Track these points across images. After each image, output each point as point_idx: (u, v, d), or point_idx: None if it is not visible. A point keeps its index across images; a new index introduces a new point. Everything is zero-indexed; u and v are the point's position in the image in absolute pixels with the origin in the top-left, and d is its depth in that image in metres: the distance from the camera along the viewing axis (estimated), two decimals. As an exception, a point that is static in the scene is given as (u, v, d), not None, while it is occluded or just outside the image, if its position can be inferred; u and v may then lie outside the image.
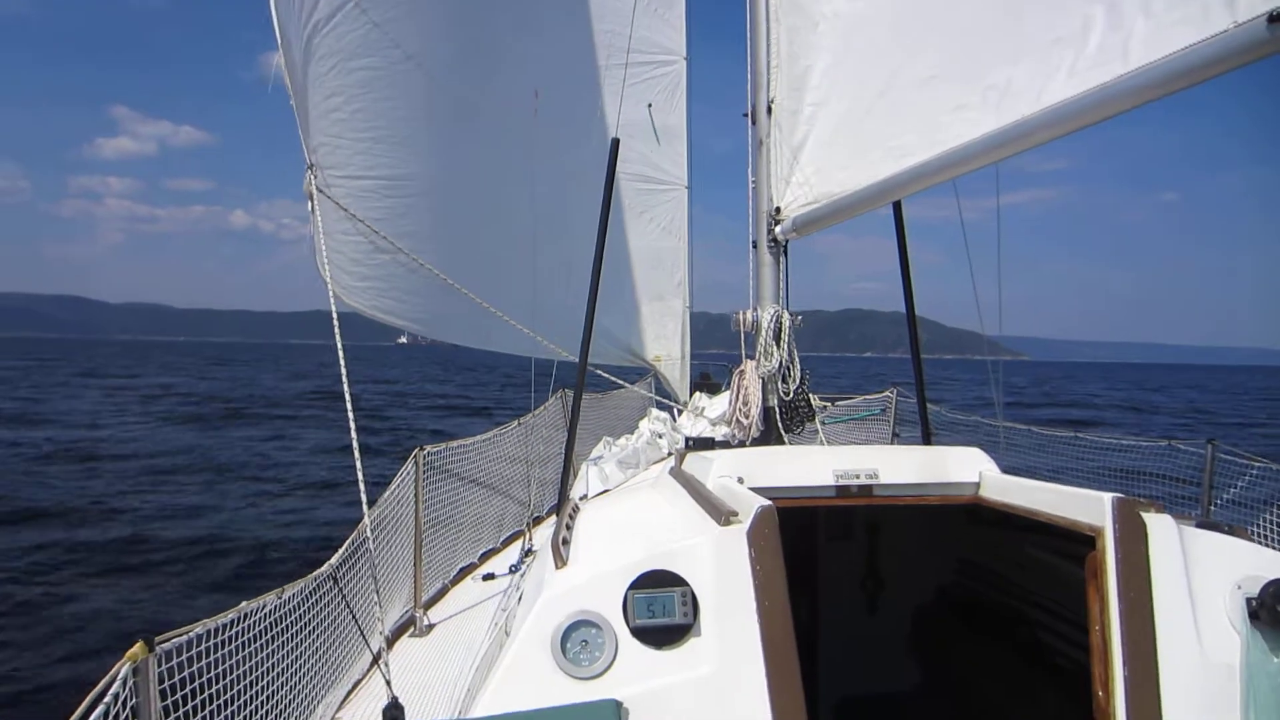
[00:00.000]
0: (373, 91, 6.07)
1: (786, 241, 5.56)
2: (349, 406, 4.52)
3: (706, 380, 9.77)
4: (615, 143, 5.81)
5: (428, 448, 6.50)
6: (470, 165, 7.25)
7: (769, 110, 5.59)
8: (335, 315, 4.88)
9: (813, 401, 5.59)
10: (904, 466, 3.64)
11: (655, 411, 8.19)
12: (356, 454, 4.53)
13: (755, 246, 5.63)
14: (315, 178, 5.23)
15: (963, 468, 3.71)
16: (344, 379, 4.56)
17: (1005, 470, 3.74)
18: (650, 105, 7.79)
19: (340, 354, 4.48)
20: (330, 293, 5.03)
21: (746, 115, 5.74)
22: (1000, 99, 4.12)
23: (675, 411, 8.88)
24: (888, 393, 8.50)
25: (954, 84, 4.52)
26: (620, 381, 9.15)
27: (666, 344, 10.04)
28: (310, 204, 5.18)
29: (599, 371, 8.33)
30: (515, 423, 7.67)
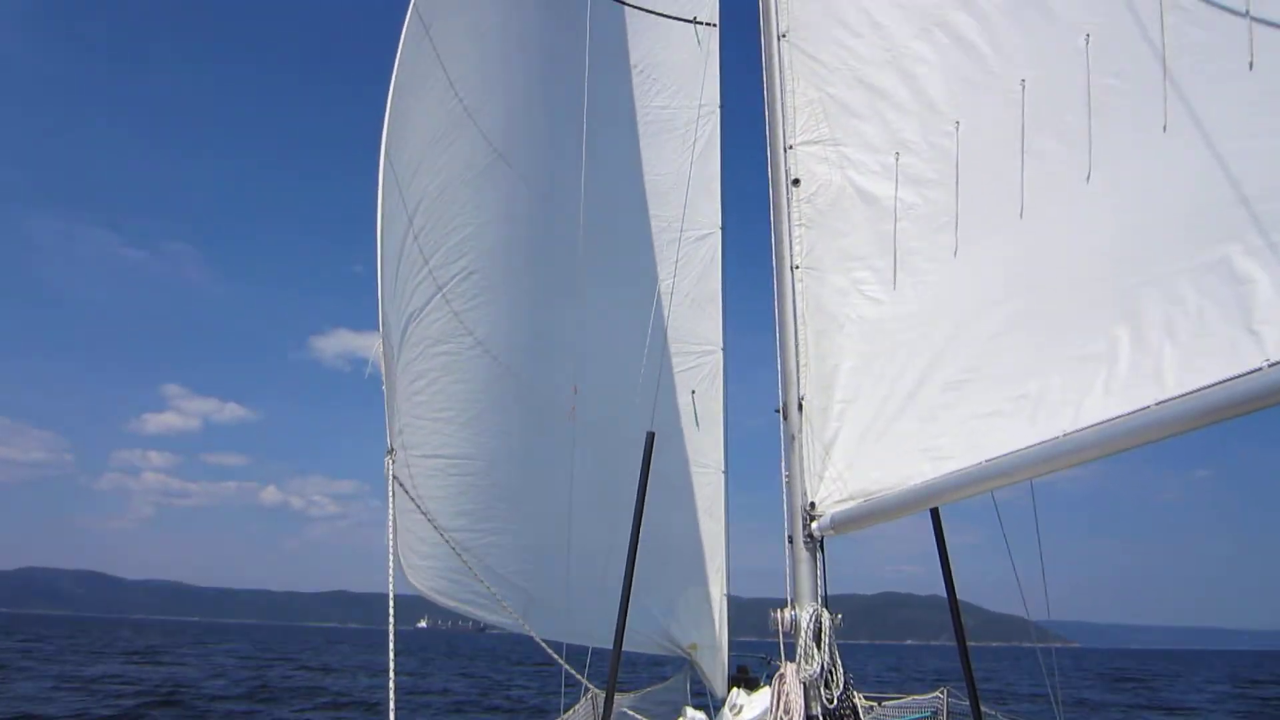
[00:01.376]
0: (449, 374, 6.50)
1: (823, 538, 5.53)
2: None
3: (744, 674, 9.43)
4: (651, 436, 5.95)
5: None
6: (522, 448, 7.52)
7: (800, 407, 5.75)
8: (392, 601, 4.96)
9: (857, 703, 5.34)
10: None
11: (691, 712, 7.83)
12: None
13: (791, 542, 5.60)
14: (394, 462, 5.46)
15: None
16: (390, 685, 4.55)
17: None
18: (694, 392, 8.13)
19: (391, 669, 4.45)
20: (390, 575, 5.09)
21: (778, 411, 5.90)
22: (1035, 409, 4.24)
23: (711, 710, 8.49)
24: (938, 693, 8.15)
25: (985, 388, 4.68)
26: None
27: (703, 631, 9.80)
28: (389, 487, 5.37)
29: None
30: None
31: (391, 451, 5.48)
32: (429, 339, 6.33)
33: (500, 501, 7.36)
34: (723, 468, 9.31)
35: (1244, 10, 3.72)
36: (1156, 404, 3.44)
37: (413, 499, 5.96)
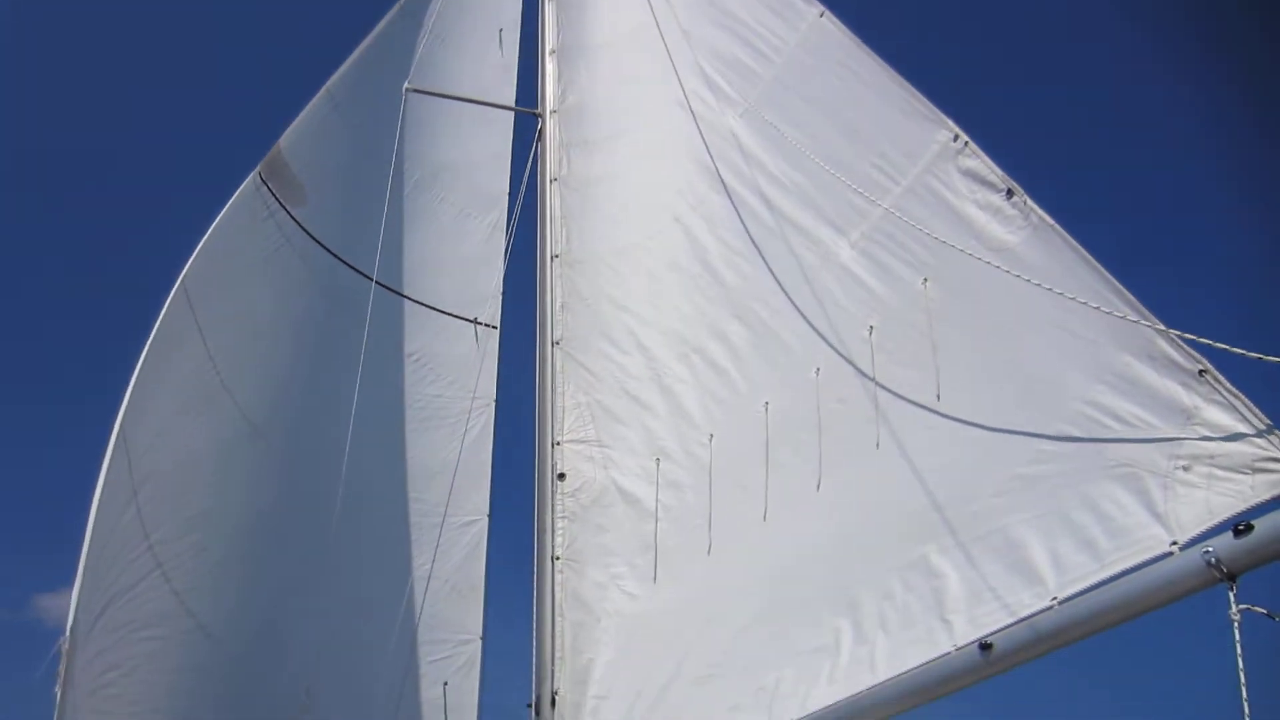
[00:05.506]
0: (153, 662, 5.78)
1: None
2: None
3: None
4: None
5: None
6: None
7: (552, 702, 5.65)
8: None
9: None
10: None
11: None
12: None
13: None
14: None
15: None
16: None
17: None
18: (446, 684, 7.72)
19: None
20: None
21: (530, 706, 5.75)
22: (771, 701, 4.44)
23: None
24: None
25: (730, 682, 4.85)
26: None
27: None
28: None
29: None
30: None
31: None
32: (134, 623, 5.69)
33: None
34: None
35: (932, 368, 4.53)
36: (868, 689, 3.73)
37: None
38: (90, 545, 5.16)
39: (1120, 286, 3.71)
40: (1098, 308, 3.65)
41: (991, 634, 3.35)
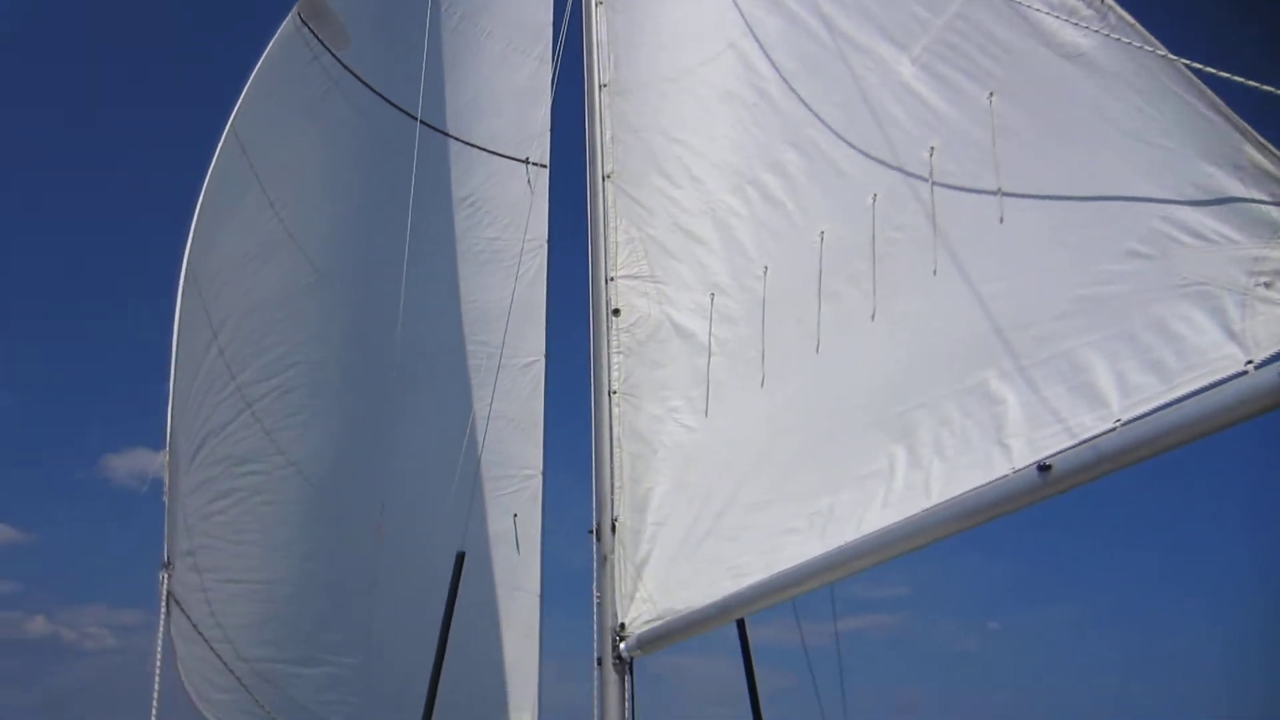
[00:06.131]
0: (258, 495, 6.15)
1: (631, 659, 5.53)
2: None
3: None
4: (461, 556, 5.86)
5: None
6: (331, 571, 7.17)
7: (613, 528, 5.84)
8: None
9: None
10: None
11: None
12: None
13: (600, 664, 5.56)
14: (170, 578, 5.03)
15: None
16: None
17: None
18: (515, 515, 8.09)
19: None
20: (154, 701, 4.60)
21: (591, 532, 5.96)
22: (825, 524, 4.52)
23: None
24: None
25: (784, 508, 4.95)
26: None
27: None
28: (162, 606, 4.93)
29: None
30: None
31: (168, 565, 5.11)
32: (233, 458, 6.05)
33: (306, 628, 6.96)
34: (538, 592, 9.20)
35: (995, 189, 4.33)
36: (923, 512, 3.75)
37: (192, 622, 5.53)
38: (176, 382, 5.34)
39: (1206, 89, 3.42)
40: (1183, 108, 3.39)
41: (1051, 456, 3.31)
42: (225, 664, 5.90)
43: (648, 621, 5.48)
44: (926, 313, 4.56)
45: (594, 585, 5.78)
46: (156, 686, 4.72)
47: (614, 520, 5.86)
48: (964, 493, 3.62)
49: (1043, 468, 3.28)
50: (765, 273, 5.74)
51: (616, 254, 6.43)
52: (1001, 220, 4.20)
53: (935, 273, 4.51)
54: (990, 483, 3.52)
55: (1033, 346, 3.79)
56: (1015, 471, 3.44)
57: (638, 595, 5.62)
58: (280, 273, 6.71)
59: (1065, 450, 3.33)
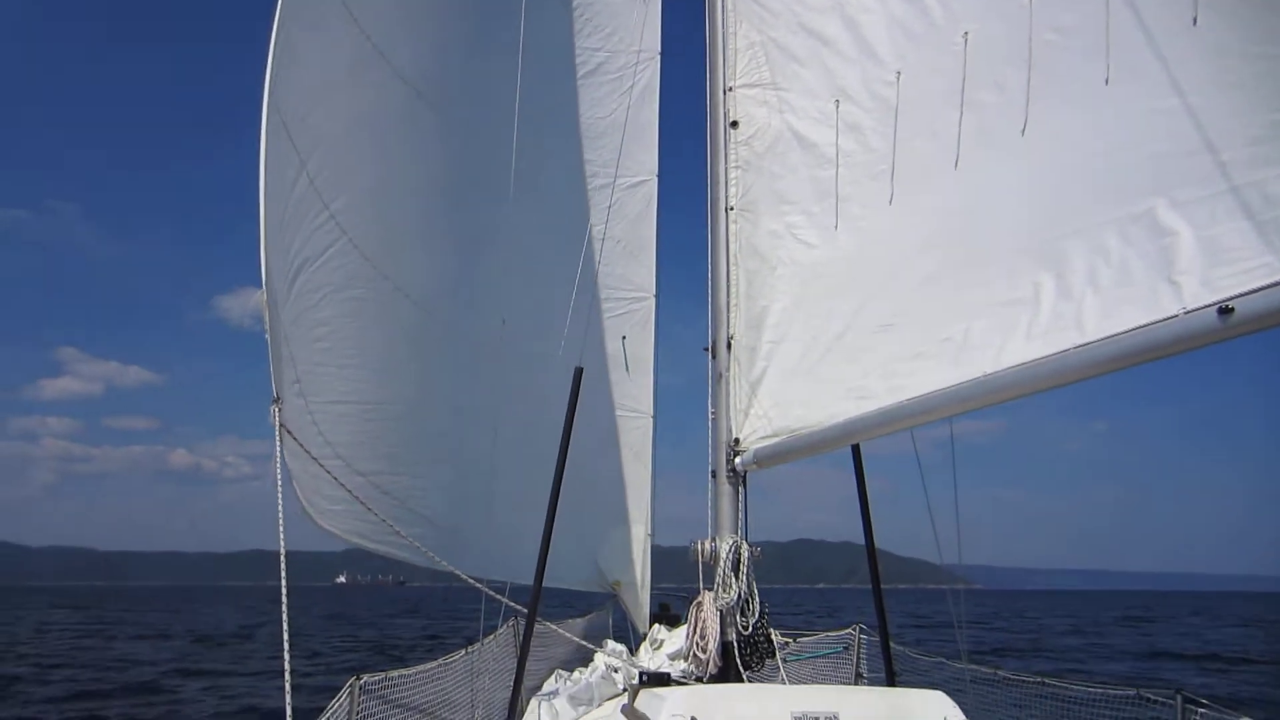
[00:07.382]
0: (358, 319, 6.22)
1: (745, 473, 5.63)
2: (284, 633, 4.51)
3: (666, 611, 9.62)
4: (579, 372, 5.93)
5: (364, 677, 6.12)
6: (444, 390, 7.36)
7: (729, 346, 5.81)
8: (283, 547, 4.81)
9: (773, 638, 5.49)
10: (866, 709, 3.59)
11: (611, 644, 7.94)
12: (288, 683, 4.43)
13: (714, 477, 5.68)
14: (281, 411, 5.22)
15: (927, 712, 3.66)
16: (284, 609, 4.50)
17: (970, 715, 3.70)
18: (624, 337, 8.14)
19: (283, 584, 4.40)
20: (280, 527, 4.91)
21: (707, 350, 5.95)
22: (958, 351, 4.36)
23: (632, 644, 8.63)
24: (850, 630, 8.45)
25: (912, 331, 4.79)
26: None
27: (626, 569, 9.98)
28: (277, 437, 5.16)
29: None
30: (462, 652, 7.29)
31: (278, 401, 5.28)
32: (331, 285, 6.00)
33: (421, 443, 7.21)
34: (651, 413, 9.45)
35: None
36: (1075, 348, 3.57)
37: (301, 446, 5.76)
38: (266, 214, 5.29)
39: None
40: None
41: (1233, 298, 3.06)
42: (336, 478, 6.17)
43: (764, 437, 5.52)
44: (1088, 128, 4.15)
45: (709, 402, 5.83)
46: (280, 513, 5.01)
47: (730, 337, 5.82)
48: (1124, 330, 3.41)
49: (1224, 310, 3.03)
50: (898, 78, 5.32)
51: (735, 61, 6.04)
52: (1195, 21, 3.70)
53: (1107, 82, 4.06)
54: (1157, 322, 3.29)
55: (1216, 174, 3.41)
56: (1187, 312, 3.20)
57: (753, 411, 5.65)
58: (372, 93, 6.47)
59: (1251, 292, 3.06)
